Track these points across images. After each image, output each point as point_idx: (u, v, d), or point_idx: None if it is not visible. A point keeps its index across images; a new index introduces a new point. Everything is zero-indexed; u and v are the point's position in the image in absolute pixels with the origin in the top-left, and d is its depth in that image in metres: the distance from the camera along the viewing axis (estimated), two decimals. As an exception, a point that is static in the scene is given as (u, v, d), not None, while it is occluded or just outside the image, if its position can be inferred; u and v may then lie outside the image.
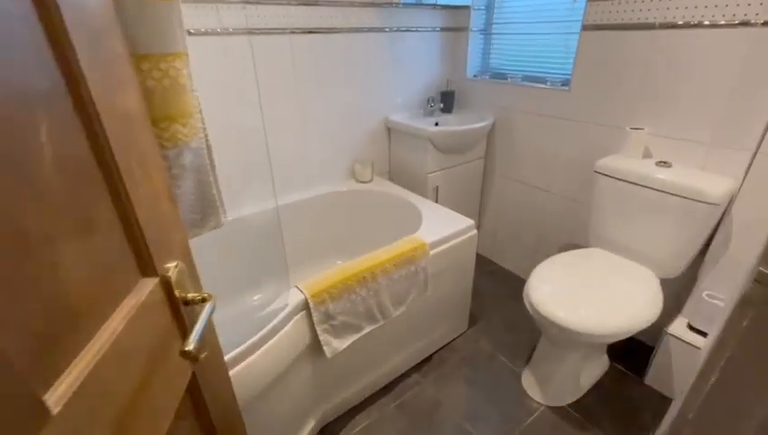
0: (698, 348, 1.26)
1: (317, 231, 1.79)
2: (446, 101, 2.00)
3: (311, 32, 1.52)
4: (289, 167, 1.69)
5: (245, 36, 1.38)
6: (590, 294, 1.21)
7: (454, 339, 1.65)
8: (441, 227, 1.42)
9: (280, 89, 1.53)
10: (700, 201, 1.17)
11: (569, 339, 1.19)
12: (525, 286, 1.32)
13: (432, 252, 1.33)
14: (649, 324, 1.13)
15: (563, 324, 1.11)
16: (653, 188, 1.26)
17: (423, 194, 1.82)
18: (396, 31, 1.77)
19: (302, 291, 1.07)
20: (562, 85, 1.62)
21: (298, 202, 1.69)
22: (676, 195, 1.21)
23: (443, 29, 1.94)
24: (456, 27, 1.96)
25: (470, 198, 2.06)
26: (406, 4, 1.73)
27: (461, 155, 1.88)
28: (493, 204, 2.10)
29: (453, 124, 1.95)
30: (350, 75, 1.71)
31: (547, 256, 1.86)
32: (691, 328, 1.32)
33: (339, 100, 1.72)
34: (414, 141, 1.80)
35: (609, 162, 1.37)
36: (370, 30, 1.68)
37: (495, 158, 1.99)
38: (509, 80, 1.82)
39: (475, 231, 1.48)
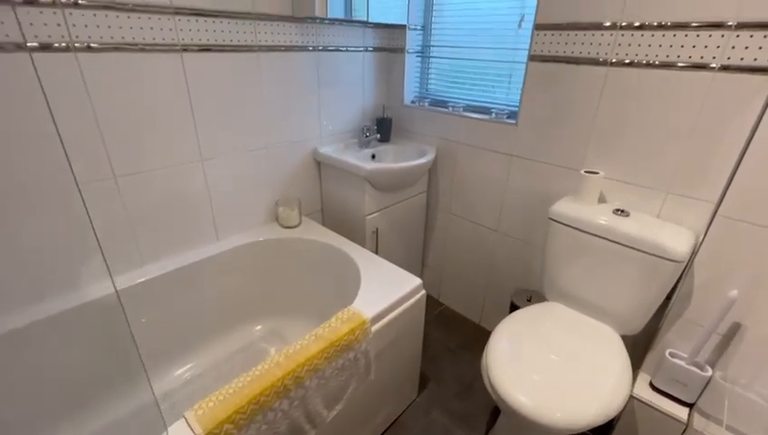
0: (663, 413, 1.16)
1: (230, 294, 1.45)
2: (383, 129, 1.77)
3: (207, 49, 1.20)
4: (191, 215, 1.33)
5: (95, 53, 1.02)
6: (558, 373, 1.04)
7: (402, 412, 1.41)
8: (384, 292, 1.18)
9: (167, 119, 1.18)
10: (663, 258, 1.06)
11: (538, 431, 1.01)
12: (483, 359, 1.12)
13: (374, 328, 1.08)
14: (623, 406, 0.99)
15: (533, 419, 0.92)
16: (612, 241, 1.14)
17: (361, 237, 1.57)
18: (322, 50, 1.50)
19: (191, 427, 0.75)
20: (509, 118, 1.48)
21: (203, 261, 1.34)
22: (637, 249, 1.10)
23: (376, 49, 1.71)
24: (390, 48, 1.75)
25: (413, 235, 1.86)
26: (333, 20, 1.47)
27: (402, 192, 1.66)
28: (437, 240, 1.91)
29: (391, 155, 1.73)
30: (268, 101, 1.40)
31: (499, 300, 1.73)
32: (653, 387, 1.22)
33: (255, 130, 1.40)
34: (349, 179, 1.54)
35: (565, 209, 1.24)
36: (290, 49, 1.40)
37: (438, 192, 1.80)
38: (450, 108, 1.64)
39: (423, 292, 1.26)
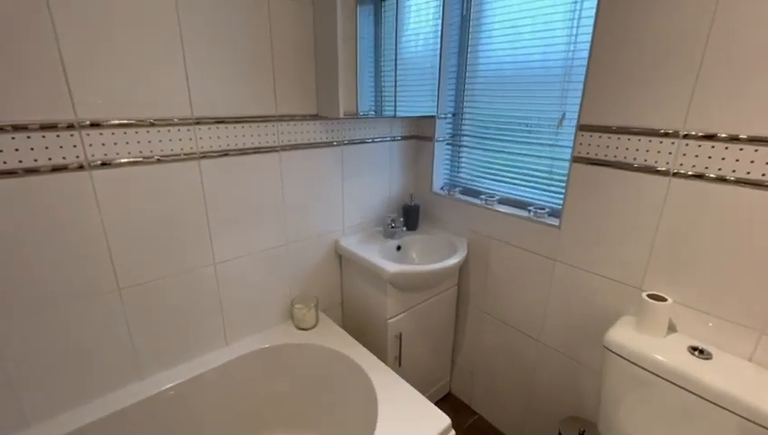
0: None
1: (235, 406, 1.30)
2: (410, 217, 1.66)
3: (226, 154, 1.16)
4: (199, 321, 1.24)
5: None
6: None
7: None
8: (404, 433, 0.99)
9: (179, 227, 1.13)
10: (766, 428, 0.82)
11: None
12: None
13: (389, 490, 0.89)
14: None
15: None
16: (689, 391, 0.91)
17: (383, 342, 1.41)
18: (347, 144, 1.45)
19: None
20: (550, 216, 1.32)
21: (208, 372, 1.22)
22: (725, 408, 0.86)
23: (404, 138, 1.65)
24: (419, 135, 1.69)
25: (442, 334, 1.66)
26: (359, 117, 1.42)
27: (429, 290, 1.51)
28: (469, 340, 1.70)
29: (419, 246, 1.60)
30: (289, 198, 1.34)
31: (545, 420, 1.45)
32: None
33: (274, 228, 1.33)
34: (370, 277, 1.41)
35: (624, 340, 1.03)
36: (311, 146, 1.35)
37: (470, 287, 1.63)
38: (483, 199, 1.51)
39: (452, 432, 1.05)
